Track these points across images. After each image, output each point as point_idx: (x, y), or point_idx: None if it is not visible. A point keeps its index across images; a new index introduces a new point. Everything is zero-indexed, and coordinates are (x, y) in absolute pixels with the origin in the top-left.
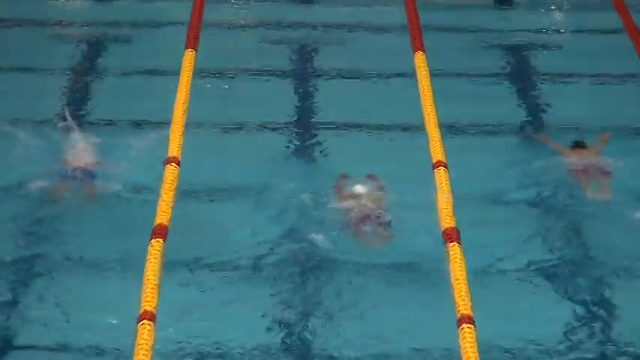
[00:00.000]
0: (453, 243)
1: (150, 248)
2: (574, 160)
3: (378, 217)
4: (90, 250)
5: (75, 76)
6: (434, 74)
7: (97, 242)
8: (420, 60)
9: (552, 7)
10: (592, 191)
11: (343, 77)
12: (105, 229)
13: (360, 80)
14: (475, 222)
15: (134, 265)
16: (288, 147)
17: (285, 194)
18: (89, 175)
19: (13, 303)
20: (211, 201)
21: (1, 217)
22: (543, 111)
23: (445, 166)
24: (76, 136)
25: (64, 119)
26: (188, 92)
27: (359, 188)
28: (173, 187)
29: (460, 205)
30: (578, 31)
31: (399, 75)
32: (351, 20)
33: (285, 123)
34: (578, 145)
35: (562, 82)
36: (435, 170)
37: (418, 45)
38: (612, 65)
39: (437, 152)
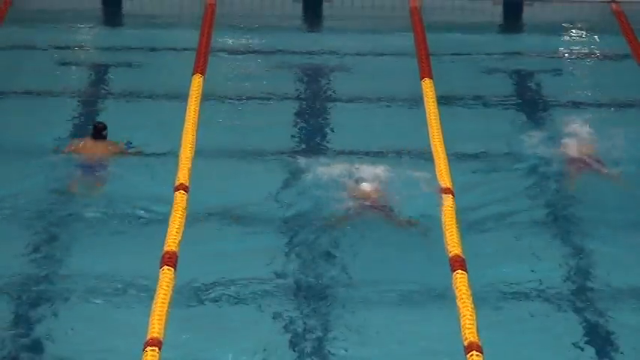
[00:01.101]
0: (460, 270)
1: (160, 275)
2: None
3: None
4: (97, 271)
5: (84, 100)
6: (441, 100)
7: (106, 261)
8: (427, 87)
9: (559, 32)
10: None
11: (351, 103)
12: (113, 250)
13: (368, 106)
14: (482, 245)
15: (142, 289)
16: (295, 172)
17: (294, 219)
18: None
19: (19, 323)
20: (220, 226)
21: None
22: (551, 137)
23: (451, 192)
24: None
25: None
26: (196, 118)
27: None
28: (181, 213)
29: (466, 231)
30: (585, 55)
31: (406, 101)
32: (358, 46)
33: (293, 148)
34: None
35: (569, 107)
36: (442, 197)
37: (426, 72)
38: (621, 90)
39: (443, 179)
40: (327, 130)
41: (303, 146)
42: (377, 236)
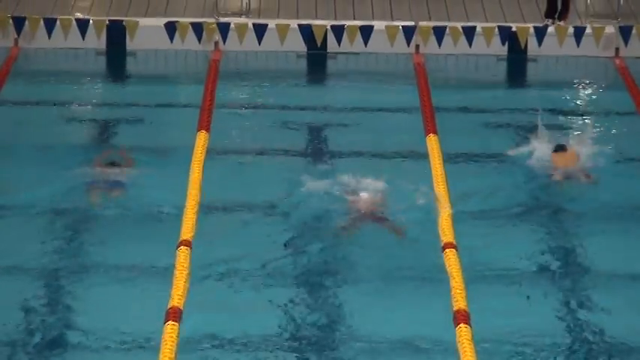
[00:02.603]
0: (463, 325)
1: (165, 331)
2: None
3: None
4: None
5: (88, 157)
6: (447, 156)
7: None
8: (432, 142)
9: (563, 88)
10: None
11: (356, 158)
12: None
13: (373, 161)
14: (486, 303)
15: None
16: (300, 227)
17: (300, 276)
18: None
19: None
20: (226, 281)
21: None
22: (556, 190)
23: (455, 247)
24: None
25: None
26: (200, 174)
27: None
28: (186, 269)
29: (472, 285)
30: (589, 110)
31: (412, 156)
32: (363, 102)
33: (298, 203)
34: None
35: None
36: (445, 252)
37: (431, 128)
38: (626, 145)
39: (447, 234)
40: (332, 185)
41: (308, 202)
42: (381, 290)
